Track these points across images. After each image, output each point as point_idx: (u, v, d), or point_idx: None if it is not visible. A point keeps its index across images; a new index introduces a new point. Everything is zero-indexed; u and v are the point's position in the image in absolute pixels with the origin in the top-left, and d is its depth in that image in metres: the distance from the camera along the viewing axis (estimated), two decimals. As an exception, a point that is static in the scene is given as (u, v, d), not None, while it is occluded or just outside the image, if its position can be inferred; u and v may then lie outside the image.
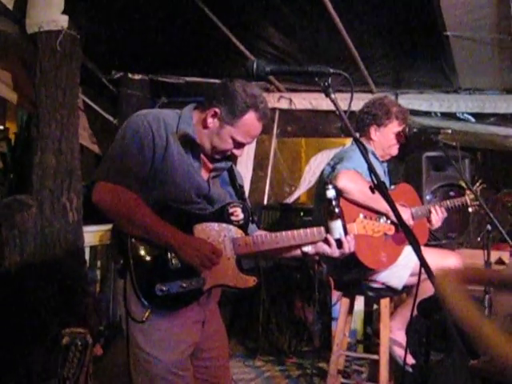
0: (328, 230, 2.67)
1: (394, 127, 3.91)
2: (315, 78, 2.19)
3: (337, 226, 2.64)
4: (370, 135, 3.94)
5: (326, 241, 2.68)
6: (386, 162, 4.07)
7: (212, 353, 2.77)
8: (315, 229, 2.69)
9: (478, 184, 4.11)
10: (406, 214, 3.70)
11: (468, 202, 4.01)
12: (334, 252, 2.69)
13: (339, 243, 2.67)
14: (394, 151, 3.97)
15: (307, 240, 2.70)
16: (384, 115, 3.90)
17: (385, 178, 3.99)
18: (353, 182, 3.51)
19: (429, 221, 3.94)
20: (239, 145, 2.63)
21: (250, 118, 2.56)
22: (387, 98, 4.06)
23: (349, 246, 2.69)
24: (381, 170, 3.94)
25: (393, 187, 4.00)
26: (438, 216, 3.91)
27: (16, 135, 7.32)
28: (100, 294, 5.22)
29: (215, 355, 2.79)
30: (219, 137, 2.58)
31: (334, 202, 2.63)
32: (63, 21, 4.74)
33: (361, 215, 2.88)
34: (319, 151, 6.70)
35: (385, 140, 3.92)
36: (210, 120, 2.57)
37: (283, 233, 2.67)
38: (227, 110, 2.54)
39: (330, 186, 2.66)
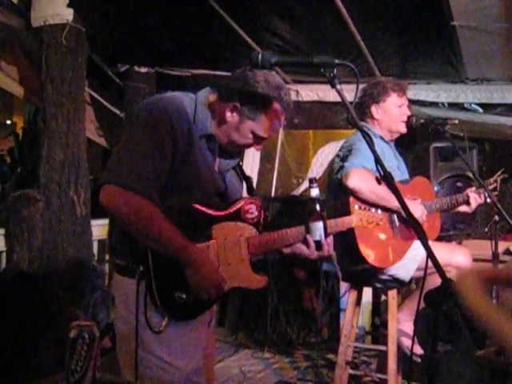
0: (308, 231, 2.52)
1: (394, 101, 3.89)
2: (321, 69, 2.17)
3: (318, 227, 2.51)
4: (372, 115, 3.92)
5: (305, 241, 2.52)
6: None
7: (209, 349, 2.70)
8: (297, 229, 2.55)
9: (499, 173, 4.10)
10: (418, 211, 3.65)
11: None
12: (312, 254, 2.53)
13: (318, 245, 2.52)
14: (402, 127, 3.92)
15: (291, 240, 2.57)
16: (381, 91, 3.89)
17: (396, 161, 3.97)
18: (363, 182, 3.49)
19: (468, 204, 3.96)
20: (261, 139, 2.47)
21: (274, 112, 2.40)
22: (382, 77, 4.05)
23: (328, 248, 2.53)
24: (390, 153, 3.93)
25: (408, 180, 3.97)
26: (476, 201, 3.94)
27: (23, 130, 7.35)
28: (108, 287, 5.22)
29: (210, 351, 2.74)
30: (239, 132, 2.42)
31: (317, 202, 2.51)
32: (68, 14, 4.75)
33: (356, 206, 2.85)
34: (327, 143, 6.68)
35: (388, 116, 3.90)
36: (228, 114, 2.39)
37: (288, 230, 2.56)
38: (249, 103, 2.36)
39: (315, 185, 2.54)
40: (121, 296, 2.44)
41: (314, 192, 2.54)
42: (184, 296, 2.35)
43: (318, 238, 2.53)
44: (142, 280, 2.32)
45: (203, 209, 2.41)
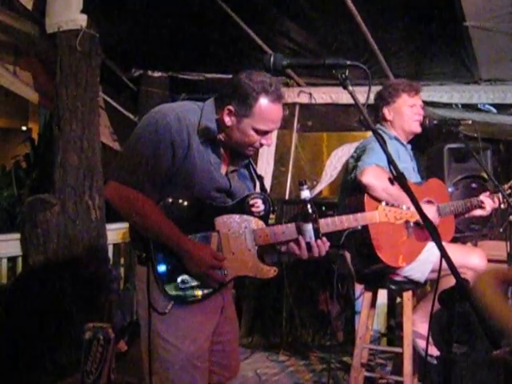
0: (300, 232, 2.61)
1: (405, 101, 3.89)
2: (332, 70, 2.18)
3: (308, 228, 2.58)
4: (385, 117, 3.93)
5: (297, 242, 2.62)
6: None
7: (226, 336, 2.82)
8: (290, 227, 2.64)
9: None
10: (430, 213, 3.65)
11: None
12: (303, 254, 2.62)
13: (309, 246, 2.60)
14: (415, 127, 3.91)
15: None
16: (391, 93, 3.90)
17: (412, 163, 3.97)
18: (377, 179, 3.50)
19: (482, 207, 3.95)
20: (264, 133, 2.57)
21: (264, 103, 2.50)
22: (395, 80, 4.05)
23: (318, 250, 2.60)
24: (406, 155, 3.93)
25: (422, 181, 3.96)
26: (490, 205, 3.93)
27: (39, 135, 7.41)
28: (124, 290, 5.25)
29: (228, 339, 2.84)
30: (241, 132, 2.55)
31: (308, 204, 2.57)
32: (82, 20, 4.79)
33: (383, 202, 2.86)
34: (341, 145, 6.66)
35: (400, 116, 3.90)
36: (227, 119, 2.53)
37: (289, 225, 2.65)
38: (239, 103, 2.50)
39: (305, 187, 2.58)
40: (139, 283, 2.63)
41: (304, 194, 2.59)
42: (186, 281, 2.51)
43: (307, 239, 2.60)
44: (150, 266, 2.51)
45: (206, 201, 2.58)
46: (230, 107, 2.51)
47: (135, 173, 2.47)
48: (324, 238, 2.63)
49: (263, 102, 2.50)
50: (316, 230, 2.59)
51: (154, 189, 2.51)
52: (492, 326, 1.84)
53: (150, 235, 2.51)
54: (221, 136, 2.60)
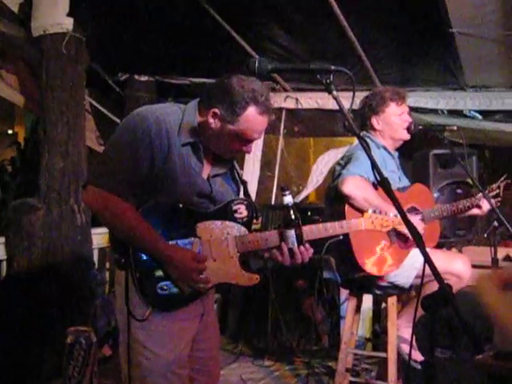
0: (282, 238, 2.56)
1: (393, 110, 3.89)
2: (317, 75, 2.18)
3: (290, 234, 2.54)
4: (373, 127, 3.93)
5: (280, 248, 2.57)
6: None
7: (206, 343, 2.78)
8: (272, 233, 2.60)
9: (502, 179, 4.09)
10: (415, 222, 3.64)
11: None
12: (286, 261, 2.57)
13: (292, 252, 2.55)
14: (404, 135, 3.91)
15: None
16: (379, 102, 3.89)
17: (398, 173, 3.98)
18: (358, 189, 3.52)
19: (478, 206, 3.97)
20: (246, 142, 2.54)
21: (251, 114, 2.45)
22: (380, 87, 4.06)
23: (301, 257, 2.56)
24: (392, 164, 3.92)
25: (406, 187, 3.96)
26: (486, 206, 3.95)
27: (25, 139, 7.37)
28: (109, 295, 5.23)
29: (209, 346, 2.81)
30: (223, 137, 2.50)
31: (290, 210, 2.53)
32: (68, 23, 4.76)
33: (370, 210, 2.84)
34: (327, 150, 6.68)
35: (389, 126, 3.90)
36: (211, 121, 2.48)
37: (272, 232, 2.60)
38: (226, 108, 2.44)
39: (287, 193, 2.54)
40: (118, 288, 2.58)
41: (287, 199, 2.55)
42: (165, 288, 2.46)
43: (290, 245, 2.55)
44: (129, 271, 2.47)
45: (188, 207, 2.53)
46: (216, 110, 2.46)
47: (113, 177, 2.43)
48: (307, 245, 2.58)
49: (251, 112, 2.45)
50: (299, 236, 2.55)
51: (133, 193, 2.47)
52: (476, 331, 1.85)
53: (129, 240, 2.45)
54: (202, 138, 2.55)
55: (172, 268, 2.46)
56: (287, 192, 2.55)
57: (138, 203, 2.48)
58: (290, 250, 2.56)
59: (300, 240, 2.55)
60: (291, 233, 2.54)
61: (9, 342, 4.10)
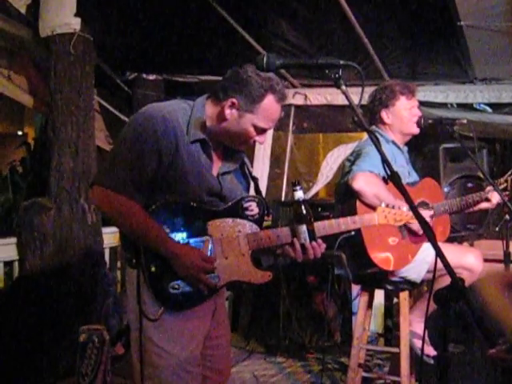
0: (295, 234, 2.56)
1: (403, 104, 3.88)
2: (326, 70, 2.17)
3: (302, 230, 2.53)
4: (383, 120, 3.92)
5: (292, 244, 2.57)
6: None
7: (218, 340, 2.79)
8: (284, 230, 2.59)
9: (510, 172, 4.08)
10: (426, 217, 3.63)
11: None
12: (298, 257, 2.57)
13: (304, 248, 2.56)
14: (414, 129, 3.89)
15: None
16: (389, 95, 3.88)
17: (408, 167, 3.97)
18: (368, 185, 3.51)
19: (487, 200, 3.96)
20: (262, 131, 2.55)
21: (270, 102, 2.47)
22: (389, 81, 4.06)
23: (314, 252, 2.56)
24: (402, 158, 3.92)
25: (416, 182, 3.95)
26: (496, 199, 3.94)
27: (35, 140, 7.39)
28: (121, 294, 5.24)
29: (220, 343, 2.81)
30: (240, 127, 2.50)
31: (301, 205, 2.53)
32: (76, 23, 4.77)
33: (383, 204, 2.82)
34: (336, 146, 6.67)
35: (398, 119, 3.89)
36: (228, 112, 2.48)
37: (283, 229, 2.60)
38: (244, 97, 2.45)
39: (298, 188, 2.55)
40: (129, 286, 2.58)
41: (298, 194, 2.55)
42: (177, 287, 2.45)
43: (302, 241, 2.55)
44: (140, 270, 2.46)
45: (199, 205, 2.52)
46: (234, 100, 2.46)
47: (120, 177, 2.42)
48: (319, 240, 2.58)
49: (269, 99, 2.48)
50: (310, 232, 2.55)
51: (141, 193, 2.46)
52: (489, 325, 1.84)
53: (138, 240, 2.46)
54: (213, 133, 2.55)
55: (179, 266, 2.44)
56: (298, 187, 2.55)
57: (147, 202, 2.47)
58: (303, 246, 2.55)
59: (312, 235, 2.55)
60: (303, 228, 2.54)
61: (22, 342, 4.12)
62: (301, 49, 5.38)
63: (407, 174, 3.90)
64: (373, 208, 3.29)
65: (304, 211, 2.53)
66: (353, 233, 2.80)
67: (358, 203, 3.57)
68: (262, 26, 5.16)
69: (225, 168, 2.65)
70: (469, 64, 5.35)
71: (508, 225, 4.07)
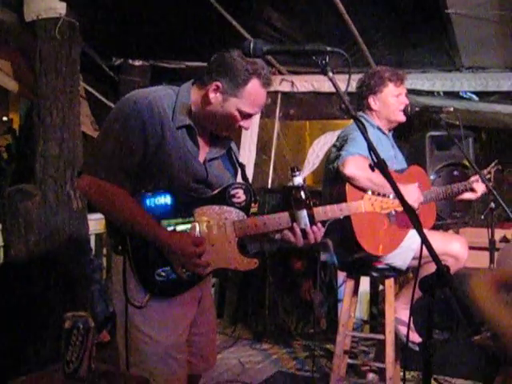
0: (294, 219, 2.56)
1: (391, 90, 3.89)
2: (313, 56, 2.16)
3: (302, 215, 2.54)
4: (370, 106, 3.92)
5: (292, 229, 2.57)
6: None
7: (203, 327, 2.79)
8: (285, 214, 2.59)
9: (493, 164, 4.10)
10: (414, 193, 3.64)
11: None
12: (299, 242, 2.57)
13: (304, 233, 2.56)
14: (400, 116, 3.90)
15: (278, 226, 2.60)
16: (378, 82, 3.89)
17: (393, 152, 3.97)
18: (360, 169, 3.50)
19: (472, 190, 3.99)
20: (246, 116, 2.52)
21: (254, 86, 2.45)
22: (379, 67, 4.06)
23: (314, 236, 2.57)
24: (388, 143, 3.94)
25: (403, 169, 3.96)
26: (481, 189, 3.97)
27: (20, 126, 7.34)
28: (106, 280, 5.23)
29: (206, 330, 2.81)
30: (224, 111, 2.48)
31: (301, 190, 2.53)
32: (61, 8, 4.72)
33: (369, 192, 2.82)
34: (323, 133, 6.66)
35: (385, 106, 3.89)
36: (212, 95, 2.46)
37: (276, 216, 2.60)
38: (229, 81, 2.43)
39: (297, 173, 2.56)
40: (115, 273, 2.57)
41: (297, 180, 2.56)
42: (164, 274, 2.44)
43: (302, 226, 2.56)
44: (126, 257, 2.45)
45: (185, 192, 2.52)
46: (218, 83, 2.44)
47: (106, 165, 2.40)
48: (319, 224, 2.59)
49: (254, 83, 2.45)
50: (311, 216, 2.56)
51: (128, 180, 2.43)
52: (473, 313, 1.85)
53: (126, 227, 2.43)
54: (198, 119, 2.54)
55: (171, 253, 2.43)
56: (297, 173, 2.57)
57: (134, 189, 2.45)
58: (303, 231, 2.56)
59: (312, 219, 2.56)
60: (303, 213, 2.54)
61: (7, 328, 4.10)
62: (288, 36, 5.35)
63: (393, 158, 3.91)
64: (363, 191, 3.30)
65: (303, 196, 2.53)
66: (341, 217, 2.80)
67: (347, 187, 3.57)
68: (249, 13, 5.13)
69: (212, 154, 2.64)
70: (456, 52, 5.35)
71: (493, 213, 4.10)
